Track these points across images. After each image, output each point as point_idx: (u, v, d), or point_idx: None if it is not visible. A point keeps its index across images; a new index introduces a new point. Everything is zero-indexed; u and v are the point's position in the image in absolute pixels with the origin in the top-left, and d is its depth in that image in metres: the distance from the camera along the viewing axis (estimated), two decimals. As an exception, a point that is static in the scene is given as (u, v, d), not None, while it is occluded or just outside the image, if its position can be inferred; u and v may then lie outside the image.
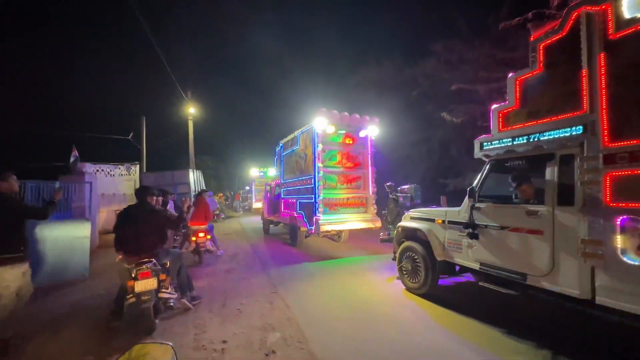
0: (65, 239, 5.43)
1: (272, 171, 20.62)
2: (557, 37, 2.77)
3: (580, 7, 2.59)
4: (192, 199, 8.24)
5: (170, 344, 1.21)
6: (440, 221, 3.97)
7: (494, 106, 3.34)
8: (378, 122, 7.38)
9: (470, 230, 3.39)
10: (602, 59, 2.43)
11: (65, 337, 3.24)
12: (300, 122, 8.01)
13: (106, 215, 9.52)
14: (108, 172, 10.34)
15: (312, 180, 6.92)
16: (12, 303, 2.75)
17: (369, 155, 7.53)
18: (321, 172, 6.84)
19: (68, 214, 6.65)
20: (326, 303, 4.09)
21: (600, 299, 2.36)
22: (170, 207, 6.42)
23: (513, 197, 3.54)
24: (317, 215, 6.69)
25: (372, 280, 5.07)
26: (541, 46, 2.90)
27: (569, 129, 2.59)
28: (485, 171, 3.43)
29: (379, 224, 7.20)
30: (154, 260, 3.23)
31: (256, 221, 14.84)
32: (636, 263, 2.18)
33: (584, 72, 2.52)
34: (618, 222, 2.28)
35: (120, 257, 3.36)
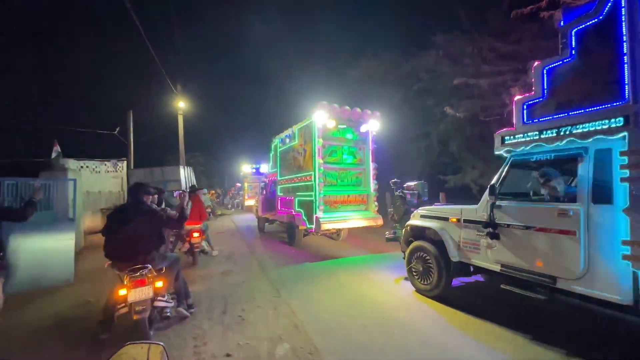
0: (47, 241, 5.00)
1: (265, 167, 20.27)
2: (593, 21, 2.56)
3: (620, -12, 2.38)
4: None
5: (161, 343, 1.21)
6: (455, 220, 3.77)
7: (517, 97, 3.13)
8: (379, 116, 7.14)
9: (491, 229, 3.19)
10: (647, 43, 2.23)
11: (47, 354, 2.89)
12: (294, 117, 7.76)
13: (92, 215, 9.01)
14: (93, 169, 9.80)
15: (312, 176, 6.64)
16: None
17: (370, 151, 7.29)
18: (322, 168, 6.56)
19: (50, 214, 6.17)
20: (334, 307, 3.84)
21: (645, 306, 2.19)
22: None
23: (531, 194, 3.38)
24: (318, 213, 6.43)
25: (379, 281, 4.85)
26: (573, 32, 2.68)
27: (607, 121, 2.39)
28: (507, 167, 3.23)
29: (380, 222, 6.99)
30: (149, 266, 2.90)
31: (249, 219, 14.50)
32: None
33: (626, 58, 2.32)
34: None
35: (109, 263, 3.01)
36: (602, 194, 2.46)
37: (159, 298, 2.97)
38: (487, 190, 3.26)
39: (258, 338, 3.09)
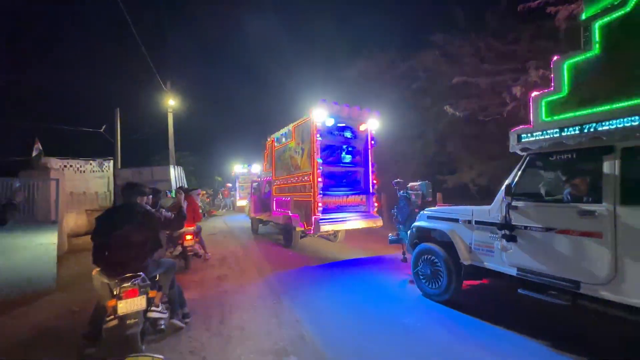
0: (28, 245, 4.63)
1: (257, 167, 19.91)
2: (619, 13, 2.43)
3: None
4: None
5: (162, 357, 1.18)
6: (465, 221, 3.62)
7: (535, 93, 3.00)
8: (379, 115, 6.99)
9: (507, 231, 3.04)
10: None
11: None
12: (288, 117, 7.54)
13: (76, 217, 8.54)
14: (78, 168, 9.32)
15: (311, 176, 6.42)
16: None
17: (370, 151, 7.13)
18: (321, 167, 6.35)
19: (30, 216, 5.77)
20: (340, 315, 3.63)
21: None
22: None
23: (543, 193, 3.26)
24: (317, 214, 6.21)
25: (383, 284, 4.67)
26: (597, 25, 2.56)
27: (637, 117, 2.26)
28: (523, 166, 3.09)
29: (380, 223, 6.84)
30: (142, 274, 2.63)
31: (241, 220, 14.15)
32: None
33: (658, 51, 2.19)
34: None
35: (96, 270, 2.72)
36: (630, 194, 2.33)
37: (152, 309, 2.70)
38: (502, 190, 3.11)
39: (262, 351, 2.86)
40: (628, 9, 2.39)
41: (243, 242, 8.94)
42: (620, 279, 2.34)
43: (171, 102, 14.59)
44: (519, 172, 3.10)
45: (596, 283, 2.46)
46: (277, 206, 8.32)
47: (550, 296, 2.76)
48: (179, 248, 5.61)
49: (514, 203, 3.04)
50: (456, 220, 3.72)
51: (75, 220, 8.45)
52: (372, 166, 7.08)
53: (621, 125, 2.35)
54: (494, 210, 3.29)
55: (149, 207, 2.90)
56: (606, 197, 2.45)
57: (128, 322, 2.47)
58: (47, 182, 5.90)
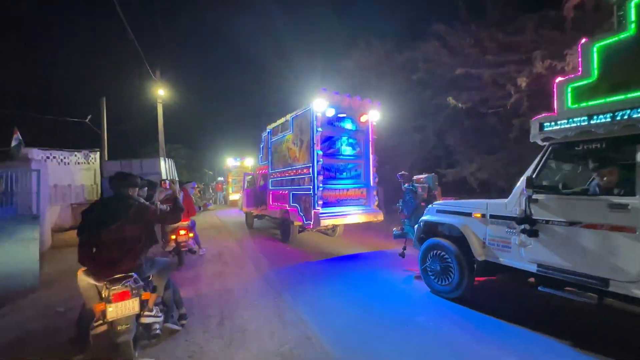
0: (7, 241, 4.28)
1: (250, 160, 19.56)
2: (659, -10, 2.24)
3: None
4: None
5: None
6: (479, 215, 3.44)
7: (559, 79, 2.80)
8: (380, 106, 6.76)
9: (527, 226, 2.88)
10: None
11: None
12: (283, 109, 7.26)
13: (60, 211, 8.10)
14: (62, 160, 8.81)
15: (310, 169, 6.18)
16: None
17: (370, 143, 6.91)
18: (321, 160, 6.11)
19: (9, 209, 5.37)
20: (346, 313, 3.43)
21: None
22: None
23: (560, 186, 3.10)
24: (317, 208, 5.99)
25: (388, 280, 4.50)
26: (633, 3, 2.37)
27: (678, 103, 2.09)
28: (545, 157, 2.92)
29: (381, 217, 6.67)
30: (135, 275, 2.36)
31: (234, 214, 13.85)
32: None
33: None
34: None
35: (82, 270, 2.43)
36: (668, 186, 2.17)
37: (146, 313, 2.43)
38: (521, 182, 2.94)
39: (266, 354, 2.64)
40: (669, -15, 2.20)
41: (238, 237, 8.67)
42: (654, 277, 2.19)
43: (161, 92, 14.03)
44: (540, 164, 2.92)
45: (628, 281, 2.31)
46: (273, 200, 8.06)
47: (575, 294, 2.62)
48: (173, 243, 5.31)
49: (534, 196, 2.87)
50: (469, 215, 3.55)
51: (60, 214, 8.01)
52: (374, 158, 6.87)
53: (659, 112, 2.18)
54: (511, 204, 3.12)
55: (142, 200, 2.61)
56: (640, 189, 2.29)
57: (119, 328, 2.21)
58: (27, 174, 5.49)
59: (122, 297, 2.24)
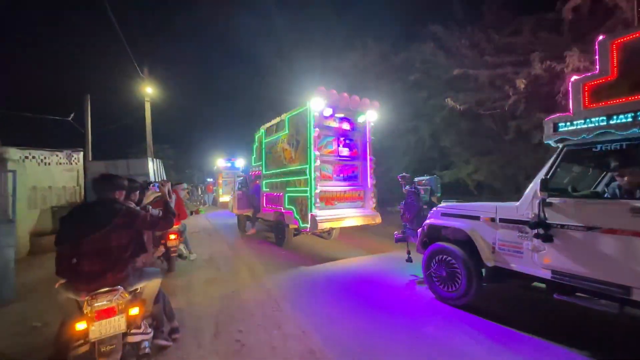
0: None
1: (241, 161, 19.17)
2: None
3: None
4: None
5: None
6: (488, 219, 3.31)
7: (575, 78, 2.69)
8: (378, 106, 6.61)
9: (541, 230, 2.75)
10: None
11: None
12: (274, 108, 7.04)
13: (40, 215, 7.64)
14: (42, 160, 8.30)
15: (307, 170, 5.97)
16: None
17: (368, 143, 6.76)
18: (318, 161, 5.91)
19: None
20: (351, 323, 3.24)
21: None
22: None
23: (570, 189, 3.00)
24: (314, 211, 5.78)
25: (390, 286, 4.33)
26: (655, -2, 2.27)
27: None
28: (559, 159, 2.80)
29: (378, 219, 6.51)
30: (121, 288, 2.10)
31: (225, 216, 13.49)
32: None
33: None
34: None
35: (61, 283, 2.16)
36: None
37: (134, 330, 2.17)
38: (537, 184, 2.82)
39: (268, 372, 2.42)
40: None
41: (230, 240, 8.38)
42: (682, 285, 2.08)
43: (149, 90, 13.54)
44: (554, 166, 2.81)
45: (652, 289, 2.19)
46: (267, 202, 7.81)
47: (593, 303, 2.49)
48: (162, 249, 5.01)
49: (549, 199, 2.74)
50: (477, 218, 3.41)
51: (39, 218, 7.53)
52: (371, 159, 6.72)
53: (686, 112, 2.07)
54: (522, 207, 2.99)
55: (131, 204, 2.35)
56: (665, 193, 2.18)
57: (103, 349, 1.96)
58: (2, 175, 5.08)
59: (106, 314, 1.99)
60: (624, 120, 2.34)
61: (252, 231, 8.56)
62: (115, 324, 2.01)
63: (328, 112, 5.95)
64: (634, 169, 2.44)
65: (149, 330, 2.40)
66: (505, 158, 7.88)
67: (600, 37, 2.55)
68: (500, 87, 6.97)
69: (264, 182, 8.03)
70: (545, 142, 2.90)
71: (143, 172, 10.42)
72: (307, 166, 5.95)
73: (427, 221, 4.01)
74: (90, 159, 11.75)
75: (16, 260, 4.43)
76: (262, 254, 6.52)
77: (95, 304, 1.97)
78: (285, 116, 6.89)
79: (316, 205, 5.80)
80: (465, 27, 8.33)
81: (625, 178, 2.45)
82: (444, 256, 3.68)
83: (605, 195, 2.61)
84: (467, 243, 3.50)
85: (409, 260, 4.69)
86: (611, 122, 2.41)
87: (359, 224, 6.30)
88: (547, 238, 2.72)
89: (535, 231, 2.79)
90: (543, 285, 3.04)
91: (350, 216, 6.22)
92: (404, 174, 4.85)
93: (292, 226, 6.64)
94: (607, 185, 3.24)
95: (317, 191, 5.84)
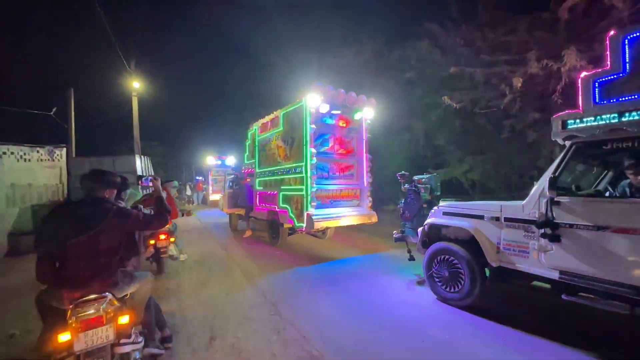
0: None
1: (232, 159, 18.82)
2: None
3: None
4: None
5: None
6: (492, 218, 3.24)
7: (584, 74, 2.63)
8: (375, 103, 6.50)
9: (548, 230, 2.69)
10: None
11: None
12: (267, 105, 6.85)
13: (20, 213, 7.25)
14: (21, 156, 7.88)
15: (303, 168, 5.82)
16: None
17: (364, 141, 6.65)
18: (314, 158, 5.76)
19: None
20: (354, 326, 3.12)
21: None
22: None
23: (574, 188, 2.96)
24: (310, 209, 5.64)
25: (390, 287, 4.23)
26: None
27: None
28: (568, 157, 2.74)
29: (375, 218, 6.42)
30: (109, 295, 1.92)
31: (216, 215, 13.19)
32: None
33: None
34: None
35: (43, 289, 1.95)
36: None
37: (123, 341, 1.99)
38: (542, 183, 2.75)
39: (269, 382, 2.27)
40: None
41: (222, 240, 8.15)
42: (696, 286, 2.04)
43: (136, 85, 13.11)
44: (563, 164, 2.75)
45: (665, 290, 2.15)
46: (260, 201, 7.63)
47: (603, 304, 2.44)
48: (151, 249, 4.78)
49: (557, 198, 2.68)
50: (481, 217, 3.34)
51: (18, 217, 7.15)
52: (367, 157, 6.62)
53: (702, 109, 2.03)
54: (529, 206, 2.93)
55: (122, 204, 2.16)
56: (679, 192, 2.14)
57: (89, 363, 1.77)
58: (-23, 171, 4.75)
59: (93, 323, 1.80)
60: (637, 118, 2.29)
61: (249, 233, 8.35)
62: (103, 335, 1.83)
63: (324, 108, 5.81)
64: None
65: (140, 339, 2.21)
66: (499, 157, 7.92)
67: (612, 33, 2.50)
68: (495, 85, 6.97)
69: (257, 180, 7.83)
70: (553, 139, 2.83)
71: (130, 169, 10.06)
72: (303, 164, 5.80)
73: (429, 220, 3.92)
74: (74, 155, 11.28)
75: (-7, 263, 4.15)
76: (255, 254, 6.35)
77: (81, 313, 1.78)
78: (280, 112, 6.72)
79: (312, 204, 5.66)
80: (460, 25, 8.32)
81: (638, 176, 2.41)
82: (446, 256, 3.60)
83: (615, 194, 2.56)
84: (470, 242, 3.43)
85: (411, 259, 4.60)
86: (623, 119, 2.35)
87: (355, 223, 6.19)
88: (554, 238, 2.66)
89: (543, 231, 2.73)
90: (547, 286, 3.00)
91: (346, 215, 6.11)
92: (403, 172, 4.76)
93: (286, 225, 6.48)
94: (610, 183, 3.22)
95: (314, 190, 5.71)
